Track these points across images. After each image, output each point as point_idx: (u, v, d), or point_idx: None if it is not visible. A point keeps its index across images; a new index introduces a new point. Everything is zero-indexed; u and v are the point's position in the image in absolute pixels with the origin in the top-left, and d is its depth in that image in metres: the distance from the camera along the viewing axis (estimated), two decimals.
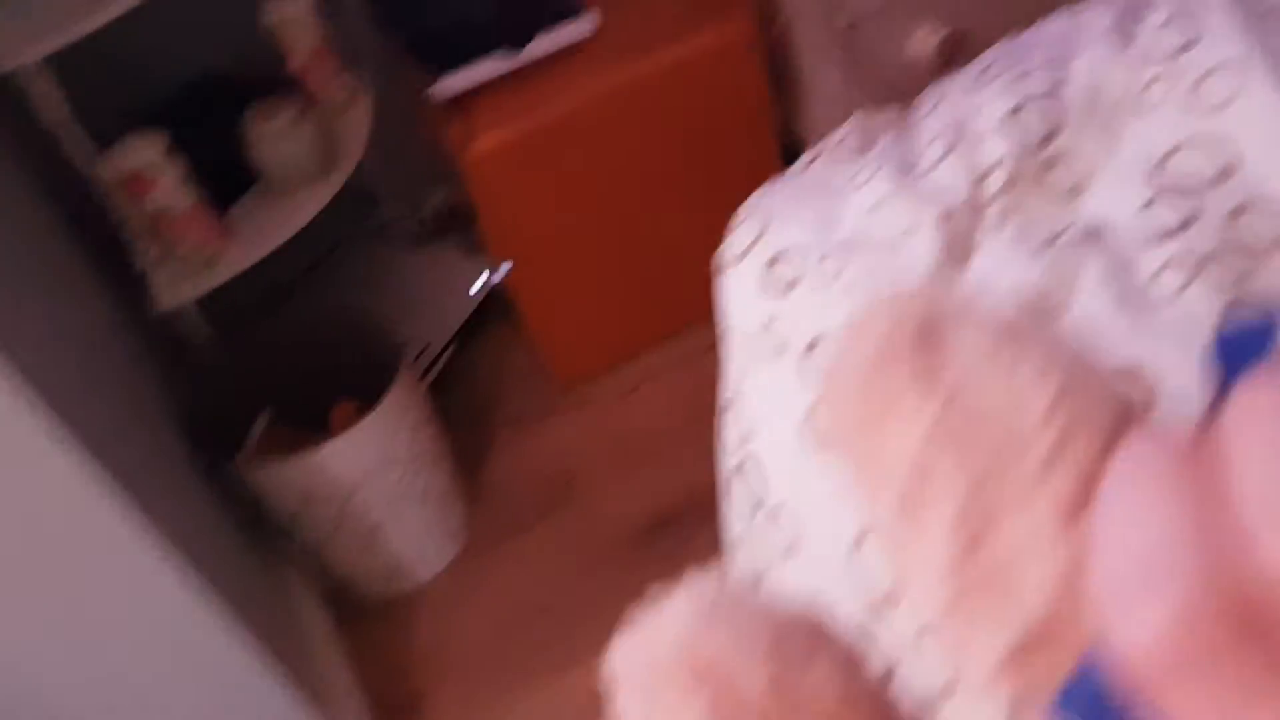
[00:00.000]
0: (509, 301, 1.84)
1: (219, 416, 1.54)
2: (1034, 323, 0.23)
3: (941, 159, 0.85)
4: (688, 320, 1.77)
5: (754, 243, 0.90)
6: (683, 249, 1.73)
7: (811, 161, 0.97)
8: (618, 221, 1.66)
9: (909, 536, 0.21)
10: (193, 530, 1.26)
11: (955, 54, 1.75)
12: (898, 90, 1.73)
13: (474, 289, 1.91)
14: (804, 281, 0.85)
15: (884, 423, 0.22)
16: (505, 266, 1.76)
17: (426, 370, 1.81)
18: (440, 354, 1.86)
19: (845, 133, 0.95)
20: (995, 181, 0.82)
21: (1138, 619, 0.16)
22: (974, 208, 0.82)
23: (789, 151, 1.73)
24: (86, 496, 1.01)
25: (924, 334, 0.22)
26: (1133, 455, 0.18)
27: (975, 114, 0.88)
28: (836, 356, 0.24)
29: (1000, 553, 0.20)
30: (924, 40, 1.72)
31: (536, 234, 1.64)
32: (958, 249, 0.80)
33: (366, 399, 1.52)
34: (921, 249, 0.80)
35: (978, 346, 0.22)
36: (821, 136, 1.04)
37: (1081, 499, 0.19)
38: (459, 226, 2.00)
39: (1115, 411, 0.20)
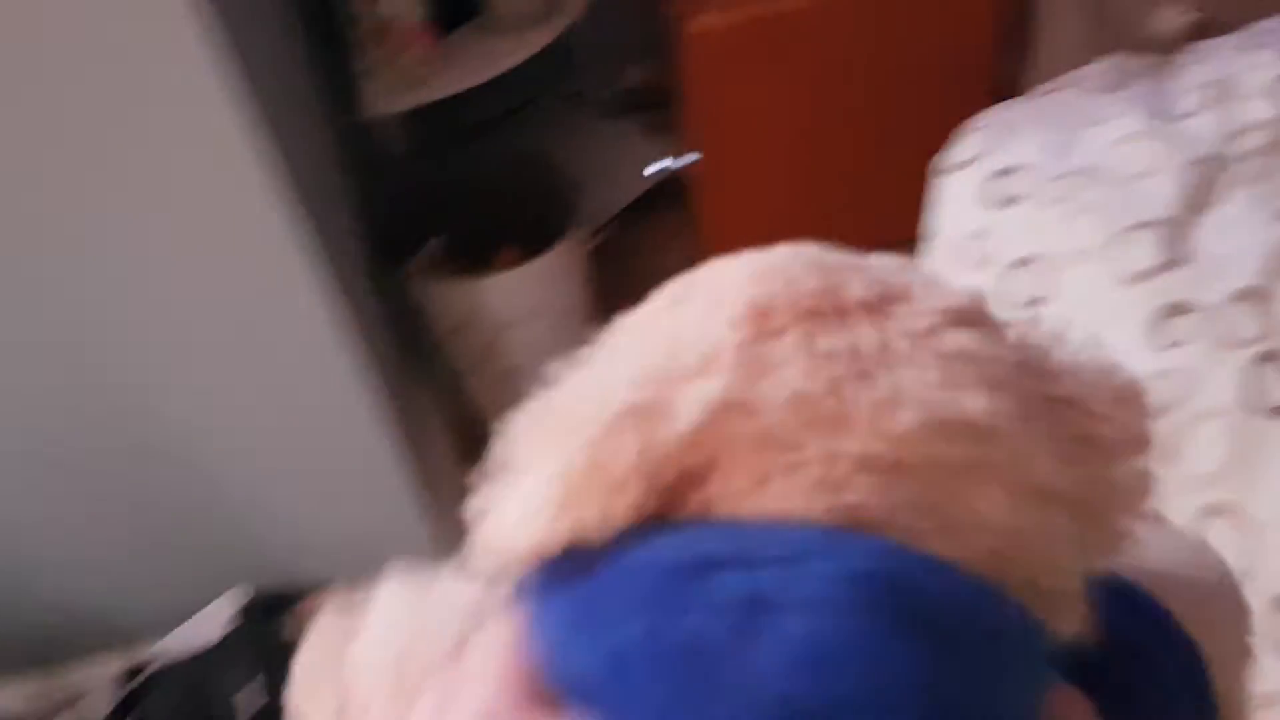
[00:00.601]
0: (682, 191, 1.85)
1: (394, 231, 1.60)
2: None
3: (1199, 110, 0.83)
4: (861, 246, 1.76)
5: (982, 153, 0.89)
6: (873, 172, 1.71)
7: (1053, 91, 0.96)
8: (815, 130, 1.65)
9: None
10: (366, 328, 1.32)
11: (1200, 39, 1.68)
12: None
13: (649, 171, 1.93)
14: (1025, 200, 0.85)
15: None
16: (688, 155, 1.76)
17: (589, 238, 1.84)
18: (604, 226, 1.89)
19: (1100, 69, 0.94)
20: (1252, 140, 0.80)
21: None
22: (1223, 162, 0.80)
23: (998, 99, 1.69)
24: (308, 278, 1.09)
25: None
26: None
27: (1244, 73, 0.85)
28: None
29: None
30: (1171, 18, 1.65)
31: (733, 126, 1.64)
32: (1198, 198, 0.79)
33: (529, 251, 1.56)
34: (1160, 191, 0.79)
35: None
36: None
37: None
38: (649, 106, 2.01)
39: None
